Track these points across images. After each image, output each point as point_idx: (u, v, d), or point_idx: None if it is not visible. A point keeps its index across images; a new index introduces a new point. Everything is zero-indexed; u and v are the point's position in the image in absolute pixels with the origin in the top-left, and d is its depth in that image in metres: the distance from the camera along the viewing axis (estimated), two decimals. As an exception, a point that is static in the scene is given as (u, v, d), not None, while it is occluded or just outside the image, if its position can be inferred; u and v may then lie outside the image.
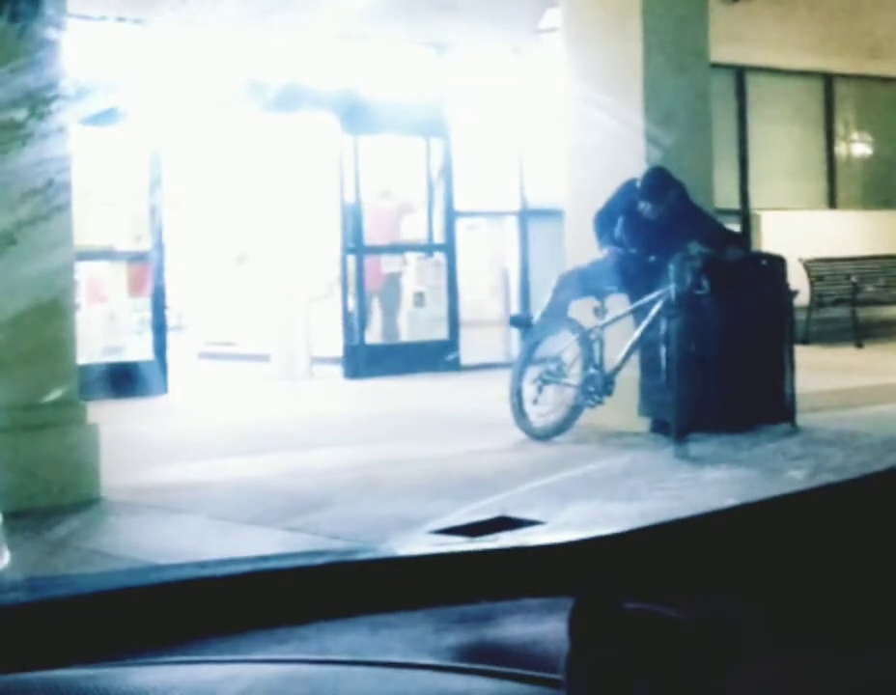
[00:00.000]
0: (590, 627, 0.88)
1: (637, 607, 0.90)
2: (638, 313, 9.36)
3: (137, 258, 13.33)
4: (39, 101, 6.65)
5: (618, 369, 9.41)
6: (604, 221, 9.66)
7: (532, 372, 9.84)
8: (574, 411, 9.48)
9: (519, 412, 9.68)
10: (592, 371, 9.47)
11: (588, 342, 9.60)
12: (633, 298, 9.43)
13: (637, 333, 9.33)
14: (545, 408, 9.62)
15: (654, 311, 9.19)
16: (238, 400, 12.86)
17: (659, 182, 9.54)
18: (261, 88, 13.55)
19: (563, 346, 9.85)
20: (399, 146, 14.94)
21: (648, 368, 9.32)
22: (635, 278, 9.41)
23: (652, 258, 9.37)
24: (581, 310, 9.84)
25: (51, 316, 7.65)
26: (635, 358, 9.41)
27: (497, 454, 8.95)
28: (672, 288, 9.03)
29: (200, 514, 7.23)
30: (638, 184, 9.55)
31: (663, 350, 9.01)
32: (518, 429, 9.57)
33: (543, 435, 9.46)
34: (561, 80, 10.91)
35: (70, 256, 8.07)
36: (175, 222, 15.98)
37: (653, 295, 9.21)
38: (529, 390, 9.69)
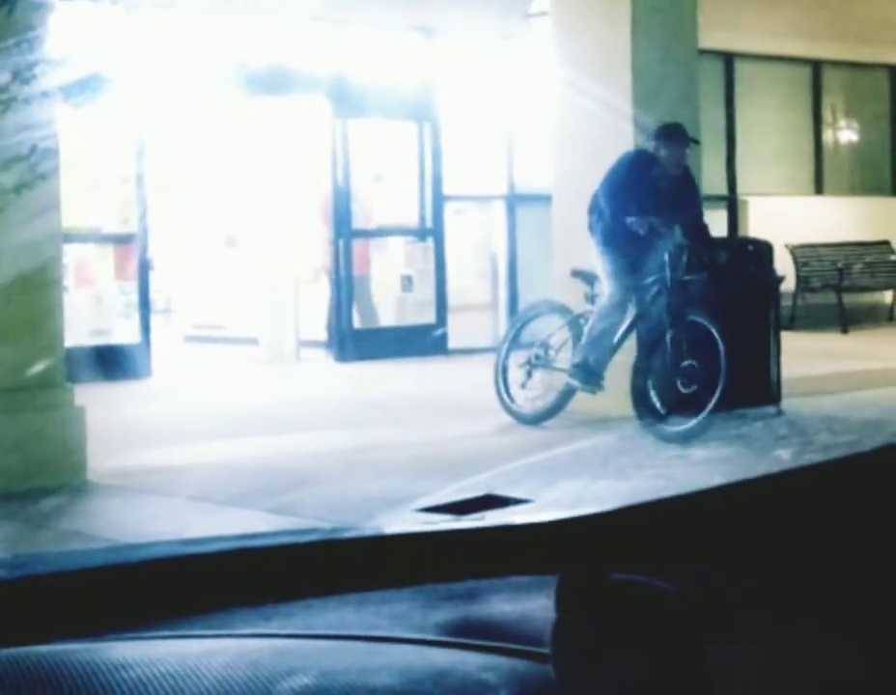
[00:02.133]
0: (577, 598, 0.88)
1: (624, 578, 0.90)
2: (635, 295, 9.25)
3: (124, 240, 13.31)
4: (22, 66, 6.59)
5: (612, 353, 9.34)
6: (619, 194, 9.19)
7: (518, 355, 9.81)
8: (564, 396, 9.44)
9: (506, 395, 9.65)
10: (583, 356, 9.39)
11: (578, 326, 9.54)
12: (631, 278, 9.25)
13: (630, 318, 9.26)
14: (532, 393, 9.60)
15: (649, 295, 9.10)
16: (224, 383, 12.85)
17: (683, 133, 9.34)
18: (250, 71, 13.53)
19: (551, 329, 9.83)
20: (388, 130, 14.92)
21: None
22: (639, 257, 9.24)
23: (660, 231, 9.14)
24: (568, 293, 9.84)
25: (38, 287, 7.60)
26: (629, 343, 9.34)
27: (484, 437, 8.96)
28: (668, 273, 8.96)
29: (184, 497, 7.23)
30: (652, 143, 9.31)
31: (662, 334, 8.94)
32: (505, 412, 9.56)
33: (531, 420, 9.44)
34: (550, 65, 10.90)
35: (57, 225, 7.99)
36: (163, 205, 15.97)
37: (648, 279, 9.13)
38: (516, 374, 9.66)
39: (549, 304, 9.97)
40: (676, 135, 9.27)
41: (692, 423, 8.37)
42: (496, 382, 9.68)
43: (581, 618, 0.88)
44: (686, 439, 8.13)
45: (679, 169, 9.26)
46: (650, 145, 9.34)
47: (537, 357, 9.67)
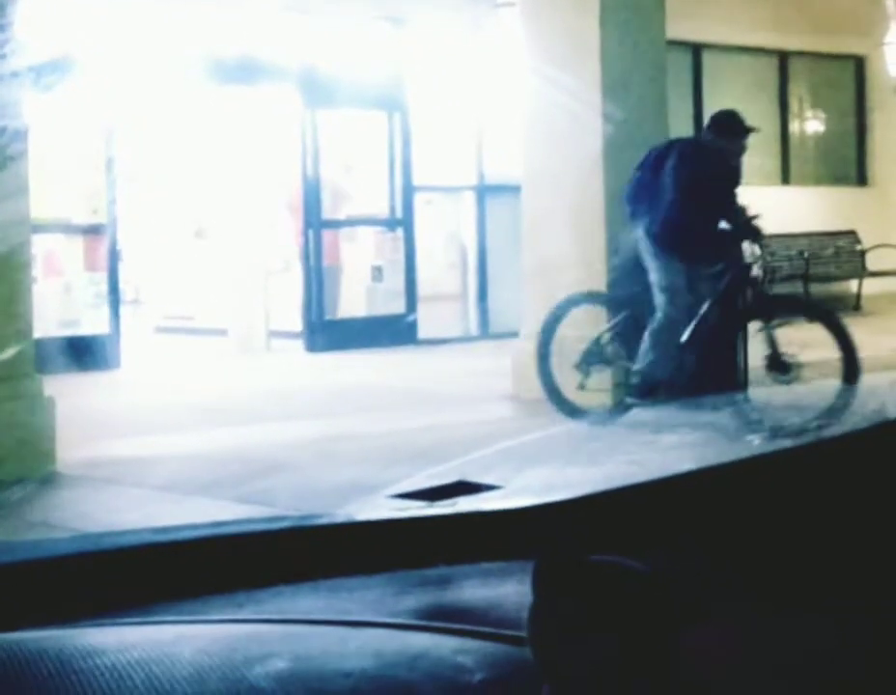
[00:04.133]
0: (554, 580, 0.89)
1: (601, 559, 0.91)
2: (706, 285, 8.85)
3: (93, 231, 13.25)
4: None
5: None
6: (701, 193, 8.62)
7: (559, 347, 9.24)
8: (623, 407, 8.91)
9: (552, 390, 9.09)
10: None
11: (629, 325, 9.07)
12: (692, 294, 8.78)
13: (706, 307, 8.83)
14: (591, 391, 9.04)
15: (723, 285, 8.78)
16: (194, 373, 12.82)
17: (744, 124, 8.90)
18: (219, 61, 13.49)
19: (600, 324, 9.38)
20: (358, 120, 14.90)
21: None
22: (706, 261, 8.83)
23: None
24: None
25: (6, 272, 7.55)
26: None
27: (456, 425, 8.96)
28: (742, 262, 8.78)
29: (153, 487, 7.22)
30: (710, 134, 8.87)
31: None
32: (556, 409, 8.99)
33: (584, 414, 8.86)
34: (519, 56, 10.90)
35: (26, 209, 7.92)
36: (132, 196, 15.91)
37: (718, 267, 8.78)
38: (569, 374, 9.06)
39: (597, 297, 9.62)
40: (739, 126, 8.91)
41: None
42: (541, 376, 9.19)
43: (559, 599, 0.88)
44: None
45: (736, 162, 8.90)
46: (707, 136, 8.96)
47: (592, 354, 9.17)
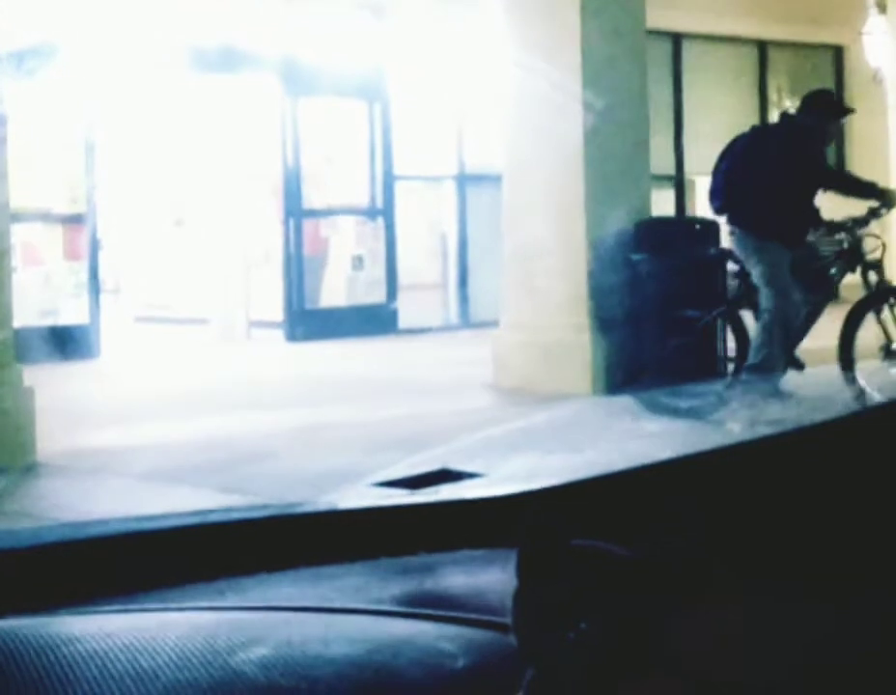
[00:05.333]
0: (537, 566, 0.89)
1: (584, 544, 0.91)
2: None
3: (73, 220, 13.21)
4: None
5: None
6: (809, 179, 8.42)
7: None
8: None
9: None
10: None
11: (736, 317, 8.86)
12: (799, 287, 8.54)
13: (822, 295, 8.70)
14: None
15: (835, 269, 8.65)
16: (175, 363, 12.80)
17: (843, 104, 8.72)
18: (199, 49, 13.45)
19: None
20: (338, 109, 14.88)
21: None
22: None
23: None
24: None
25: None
26: None
27: (438, 413, 8.96)
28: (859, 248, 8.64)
29: (134, 477, 7.20)
30: (806, 115, 8.61)
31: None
32: None
33: None
34: (499, 45, 10.90)
35: (5, 195, 7.88)
36: (113, 185, 15.86)
37: (827, 253, 8.67)
38: None
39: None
40: (838, 106, 8.71)
41: None
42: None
43: (542, 585, 0.89)
44: None
45: (830, 143, 8.69)
46: (805, 118, 8.70)
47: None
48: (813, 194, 8.48)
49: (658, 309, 9.11)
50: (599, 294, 9.72)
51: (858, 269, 8.73)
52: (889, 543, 1.28)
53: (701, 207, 16.05)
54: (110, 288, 16.57)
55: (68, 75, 12.76)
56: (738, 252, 8.68)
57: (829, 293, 8.73)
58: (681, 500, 1.50)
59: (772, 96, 18.99)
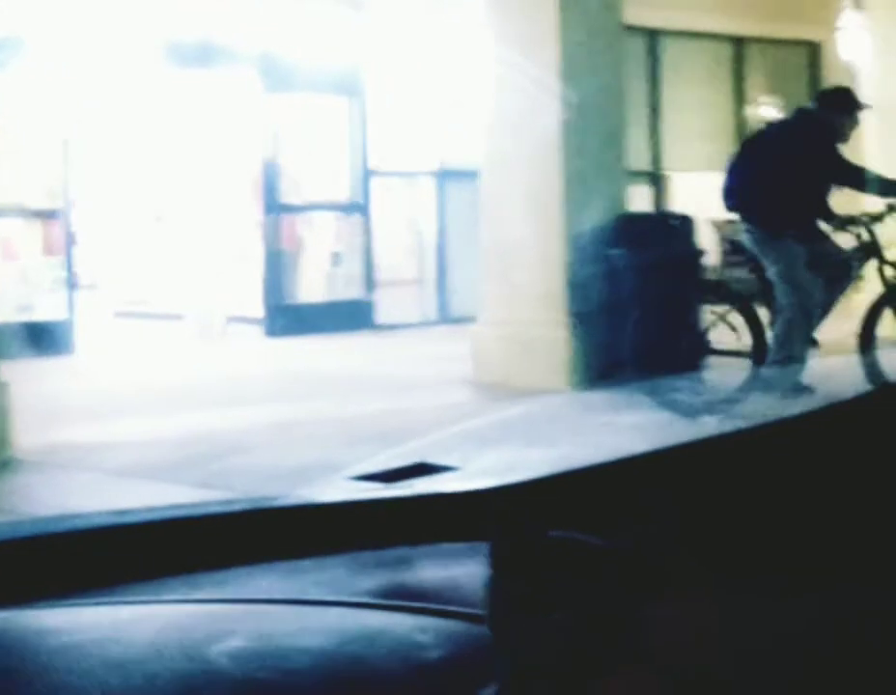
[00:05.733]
0: (512, 557, 0.90)
1: (559, 535, 0.92)
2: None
3: (50, 215, 13.17)
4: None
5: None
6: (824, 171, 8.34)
7: None
8: None
9: None
10: None
11: (751, 311, 8.69)
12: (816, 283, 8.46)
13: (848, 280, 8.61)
14: None
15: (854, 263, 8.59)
16: (152, 359, 12.77)
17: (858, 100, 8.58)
18: (178, 44, 13.41)
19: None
20: (317, 105, 14.86)
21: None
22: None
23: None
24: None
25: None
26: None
27: (415, 409, 8.96)
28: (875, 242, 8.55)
29: (110, 473, 7.19)
30: (826, 111, 8.46)
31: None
32: None
33: None
34: (478, 40, 10.90)
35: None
36: (91, 180, 15.81)
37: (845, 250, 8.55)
38: None
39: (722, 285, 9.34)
40: (854, 102, 8.60)
41: None
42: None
43: (516, 575, 0.89)
44: None
45: (846, 139, 8.56)
46: (819, 112, 8.56)
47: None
48: (828, 189, 8.44)
49: (636, 300, 9.14)
50: (576, 289, 9.74)
51: (875, 264, 8.66)
52: (863, 537, 1.29)
53: (678, 202, 16.10)
54: (87, 283, 16.51)
55: (45, 69, 12.71)
56: (752, 248, 8.63)
57: (849, 277, 8.62)
58: (656, 493, 1.51)
59: (749, 92, 19.03)
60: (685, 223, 10.01)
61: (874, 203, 8.84)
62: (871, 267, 8.71)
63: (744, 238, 8.68)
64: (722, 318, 8.73)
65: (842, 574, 1.22)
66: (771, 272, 8.50)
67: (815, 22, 18.37)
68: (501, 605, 0.89)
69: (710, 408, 7.88)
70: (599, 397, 8.60)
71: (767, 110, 19.27)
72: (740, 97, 18.84)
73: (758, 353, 8.58)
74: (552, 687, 0.89)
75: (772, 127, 8.88)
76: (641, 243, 9.53)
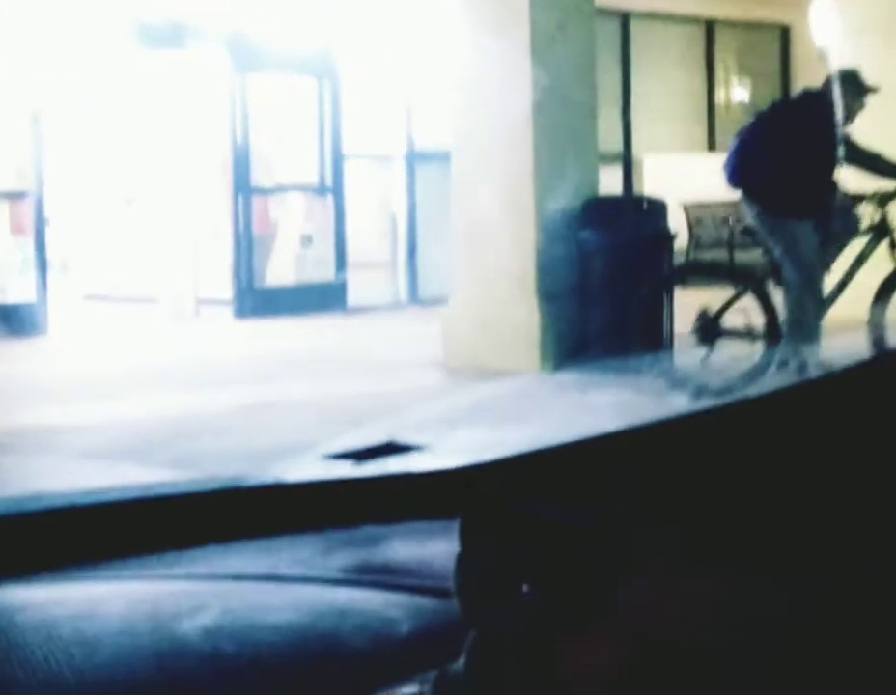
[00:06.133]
0: (482, 530, 0.90)
1: (529, 510, 0.92)
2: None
3: (20, 196, 13.09)
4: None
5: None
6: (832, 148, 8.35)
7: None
8: (760, 369, 8.43)
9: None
10: None
11: (763, 291, 8.66)
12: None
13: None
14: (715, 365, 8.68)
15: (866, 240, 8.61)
16: (123, 341, 12.73)
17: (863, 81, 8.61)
18: (147, 24, 13.34)
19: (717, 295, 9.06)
20: (288, 86, 14.81)
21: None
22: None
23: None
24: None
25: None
26: None
27: (387, 391, 8.97)
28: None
29: (79, 454, 7.17)
30: (833, 89, 8.51)
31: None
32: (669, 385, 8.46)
33: (715, 392, 8.13)
34: (450, 22, 10.88)
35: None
36: (61, 161, 15.72)
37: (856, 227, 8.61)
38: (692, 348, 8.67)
39: (712, 267, 9.32)
40: (863, 84, 8.63)
41: None
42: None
43: (486, 550, 0.90)
44: None
45: (853, 120, 8.58)
46: (826, 93, 8.57)
47: (713, 328, 8.68)
48: (833, 169, 8.45)
49: (606, 281, 9.17)
50: (547, 270, 9.76)
51: (886, 243, 8.68)
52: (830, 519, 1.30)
53: (649, 184, 16.13)
54: (58, 265, 16.44)
55: (13, 49, 12.63)
56: (758, 229, 8.65)
57: (854, 229, 8.65)
58: (627, 472, 1.51)
59: (720, 74, 19.08)
60: (655, 205, 10.05)
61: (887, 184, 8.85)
62: (882, 247, 8.73)
63: (748, 218, 8.71)
64: (734, 299, 8.71)
65: (810, 552, 1.23)
66: (777, 253, 8.51)
67: (786, 5, 18.41)
68: (469, 578, 0.89)
69: (679, 388, 7.91)
70: (569, 377, 8.62)
71: (738, 92, 19.33)
72: (711, 80, 18.88)
73: (771, 334, 8.58)
74: (520, 661, 0.90)
75: (779, 107, 8.84)
76: (612, 226, 9.56)
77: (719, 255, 16.73)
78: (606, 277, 9.36)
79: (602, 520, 0.90)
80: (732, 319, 8.67)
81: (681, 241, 11.06)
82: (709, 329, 8.60)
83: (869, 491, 1.25)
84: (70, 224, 17.08)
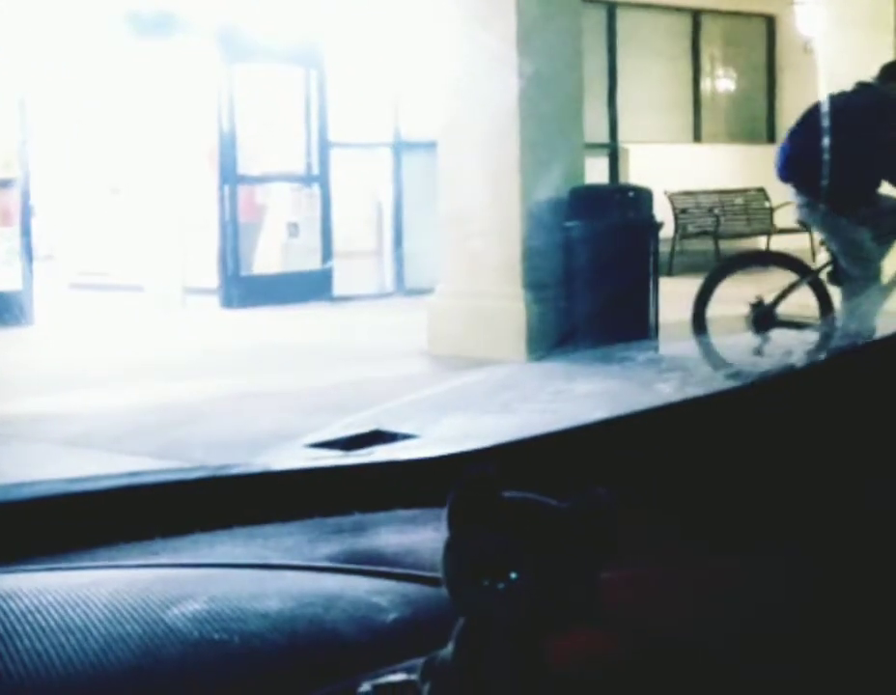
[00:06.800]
0: (469, 516, 0.90)
1: (516, 495, 0.93)
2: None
3: (5, 184, 13.06)
4: None
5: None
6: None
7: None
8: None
9: (711, 351, 8.61)
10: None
11: (821, 286, 8.60)
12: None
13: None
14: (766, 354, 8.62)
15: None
16: (109, 330, 12.71)
17: None
18: (134, 13, 13.31)
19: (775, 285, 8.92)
20: (275, 75, 14.79)
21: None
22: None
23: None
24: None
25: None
26: None
27: (374, 379, 8.97)
28: None
29: (66, 443, 7.16)
30: (888, 83, 8.40)
31: None
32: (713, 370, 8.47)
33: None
34: (437, 11, 10.87)
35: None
36: (47, 150, 15.68)
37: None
38: (741, 336, 8.65)
39: (768, 257, 9.24)
40: None
41: None
42: (695, 335, 8.71)
43: (473, 535, 0.90)
44: None
45: None
46: (885, 87, 8.47)
47: (769, 317, 8.60)
48: (890, 164, 8.36)
49: (591, 270, 9.18)
50: (533, 259, 9.77)
51: None
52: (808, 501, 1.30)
53: (635, 174, 16.14)
54: (44, 254, 16.40)
55: (0, 38, 12.59)
56: (812, 224, 8.64)
57: None
58: (613, 459, 1.52)
59: (705, 64, 19.10)
60: (641, 194, 10.06)
61: None
62: None
63: (801, 212, 8.61)
64: (791, 289, 8.63)
65: (788, 536, 1.24)
66: (833, 247, 8.47)
67: (772, -5, 18.45)
68: (457, 565, 0.90)
69: (664, 377, 7.93)
70: (555, 366, 8.64)
71: (723, 82, 19.36)
72: (696, 70, 18.90)
73: (826, 325, 8.54)
74: (508, 648, 0.90)
75: (834, 101, 8.74)
76: (598, 215, 9.57)
77: (705, 244, 16.77)
78: (593, 266, 9.37)
79: (587, 507, 0.90)
80: (786, 310, 8.62)
81: (666, 231, 11.07)
82: (764, 318, 8.53)
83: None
84: (57, 212, 17.04)
